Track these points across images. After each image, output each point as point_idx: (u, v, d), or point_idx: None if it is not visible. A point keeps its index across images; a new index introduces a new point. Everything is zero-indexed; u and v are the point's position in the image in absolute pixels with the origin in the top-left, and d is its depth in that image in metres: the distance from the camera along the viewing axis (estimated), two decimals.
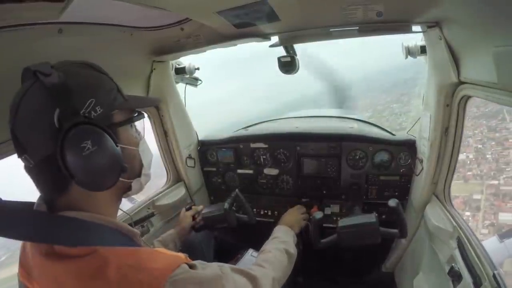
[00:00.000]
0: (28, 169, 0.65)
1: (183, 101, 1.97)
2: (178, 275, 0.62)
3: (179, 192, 1.95)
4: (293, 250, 1.20)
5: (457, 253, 1.18)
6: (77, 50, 1.12)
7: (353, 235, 1.29)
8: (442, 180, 1.44)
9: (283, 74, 1.72)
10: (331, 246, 1.35)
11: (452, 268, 1.18)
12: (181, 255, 0.71)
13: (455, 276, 1.15)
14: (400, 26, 1.19)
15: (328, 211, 1.84)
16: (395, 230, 1.30)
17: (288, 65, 1.67)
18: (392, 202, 1.27)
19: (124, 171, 0.69)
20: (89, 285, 0.61)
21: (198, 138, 2.10)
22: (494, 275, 0.98)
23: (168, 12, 1.04)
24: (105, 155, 0.64)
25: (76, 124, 0.61)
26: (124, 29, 1.28)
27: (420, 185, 1.54)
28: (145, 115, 0.86)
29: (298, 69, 1.71)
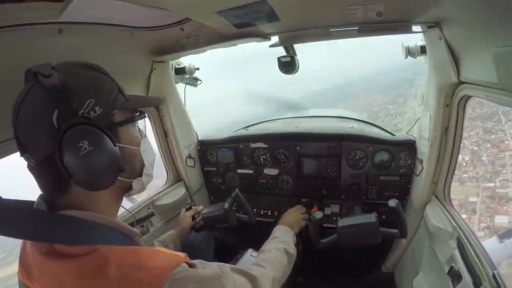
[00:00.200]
0: (30, 168, 0.67)
1: (183, 101, 1.97)
2: (178, 274, 0.63)
3: (179, 192, 1.95)
4: (293, 250, 1.20)
5: (457, 253, 1.18)
6: (77, 50, 1.13)
7: (353, 235, 1.29)
8: (442, 180, 1.44)
9: (282, 74, 1.72)
10: (331, 246, 1.35)
11: (452, 268, 1.18)
12: (181, 254, 0.71)
13: (455, 276, 1.15)
14: (400, 26, 1.19)
15: (328, 211, 1.84)
16: (395, 230, 1.30)
17: (288, 65, 1.67)
18: (392, 202, 1.27)
19: (123, 171, 0.70)
20: (89, 284, 0.61)
21: (198, 138, 2.10)
22: (493, 275, 0.98)
23: (168, 12, 1.04)
24: (102, 155, 0.64)
25: (73, 124, 0.61)
26: (124, 29, 1.28)
27: (420, 185, 1.54)
28: (146, 115, 0.86)
29: (298, 69, 1.71)
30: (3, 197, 0.67)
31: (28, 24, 0.88)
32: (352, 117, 2.24)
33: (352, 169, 1.80)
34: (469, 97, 1.20)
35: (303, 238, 1.54)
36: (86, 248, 0.62)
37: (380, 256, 2.01)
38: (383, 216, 1.55)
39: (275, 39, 1.46)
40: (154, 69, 1.68)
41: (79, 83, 0.66)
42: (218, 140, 2.04)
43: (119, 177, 0.71)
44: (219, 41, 1.45)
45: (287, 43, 1.52)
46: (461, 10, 0.95)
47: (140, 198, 1.78)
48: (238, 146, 1.97)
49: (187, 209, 1.62)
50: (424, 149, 1.48)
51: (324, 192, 1.89)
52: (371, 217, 1.29)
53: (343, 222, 1.32)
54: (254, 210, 1.97)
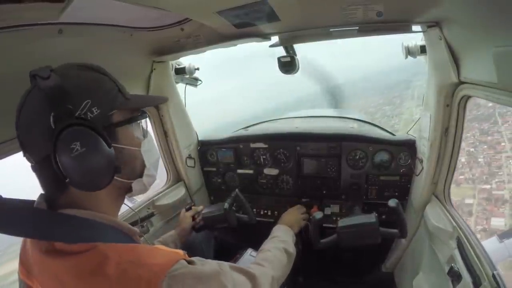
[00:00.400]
0: (32, 167, 0.68)
1: (183, 101, 1.97)
2: (176, 270, 0.63)
3: (179, 192, 1.95)
4: (292, 249, 1.20)
5: (456, 253, 1.18)
6: (77, 50, 1.13)
7: (353, 235, 1.29)
8: (442, 180, 1.44)
9: (282, 74, 1.72)
10: (331, 246, 1.35)
11: (451, 268, 1.18)
12: (180, 251, 0.72)
13: (455, 276, 1.15)
14: (400, 26, 1.19)
15: (328, 211, 1.84)
16: (395, 230, 1.30)
17: (288, 65, 1.67)
18: (392, 202, 1.27)
19: (119, 172, 0.70)
20: (89, 281, 0.61)
21: (198, 138, 2.10)
22: (493, 275, 0.98)
23: (168, 12, 1.04)
24: (94, 156, 0.64)
25: (68, 125, 0.62)
26: (124, 29, 1.28)
27: (420, 185, 1.54)
28: (147, 115, 0.86)
29: (298, 69, 1.71)
30: (6, 196, 0.68)
31: (28, 25, 0.87)
32: (352, 117, 2.24)
33: (352, 169, 1.80)
34: (469, 97, 1.20)
35: (303, 238, 1.54)
36: (86, 246, 0.63)
37: (380, 256, 2.01)
38: (383, 216, 1.54)
39: (275, 39, 1.46)
40: (154, 69, 1.68)
41: (76, 85, 0.66)
42: (218, 140, 2.04)
43: (117, 178, 0.71)
44: (219, 41, 1.45)
45: (287, 43, 1.52)
46: (461, 10, 0.95)
47: (140, 198, 1.78)
48: (238, 146, 1.97)
49: (187, 209, 1.62)
50: (424, 149, 1.48)
51: (324, 192, 1.89)
52: (371, 217, 1.29)
53: (343, 222, 1.32)
54: (254, 210, 1.98)
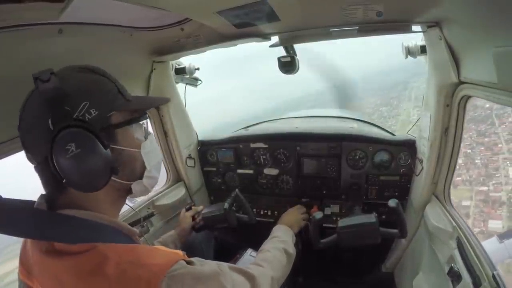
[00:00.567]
0: (34, 168, 0.69)
1: (183, 101, 1.97)
2: (176, 271, 0.64)
3: (179, 192, 1.95)
4: (292, 249, 1.20)
5: (456, 253, 1.18)
6: (77, 50, 1.13)
7: (353, 235, 1.29)
8: (442, 180, 1.44)
9: (282, 74, 1.72)
10: (331, 246, 1.35)
11: (451, 268, 1.18)
12: (180, 252, 0.72)
13: (455, 276, 1.15)
14: (400, 26, 1.19)
15: (328, 211, 1.84)
16: (395, 230, 1.30)
17: (288, 65, 1.67)
18: (392, 202, 1.27)
19: (115, 173, 0.69)
20: (88, 281, 0.61)
21: (198, 138, 2.11)
22: (493, 275, 0.98)
23: (168, 12, 1.04)
24: (89, 158, 0.64)
25: (63, 127, 0.62)
26: (124, 29, 1.28)
27: (420, 185, 1.54)
28: (147, 116, 0.85)
29: (298, 69, 1.70)
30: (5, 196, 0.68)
31: (28, 24, 0.87)
32: (352, 117, 2.24)
33: (352, 169, 1.80)
34: (469, 97, 1.20)
35: (303, 238, 1.54)
36: (85, 246, 0.63)
37: (380, 256, 2.01)
38: (383, 216, 1.55)
39: (275, 39, 1.46)
40: (154, 69, 1.68)
41: (74, 87, 0.66)
42: (218, 140, 2.04)
43: (116, 179, 0.71)
44: (219, 41, 1.45)
45: (287, 43, 1.52)
46: (461, 10, 0.95)
47: (140, 198, 1.78)
48: (238, 146, 1.97)
49: (187, 209, 1.62)
50: (424, 149, 1.48)
51: (324, 192, 1.89)
52: (371, 217, 1.29)
53: (343, 222, 1.32)
54: (254, 210, 1.97)
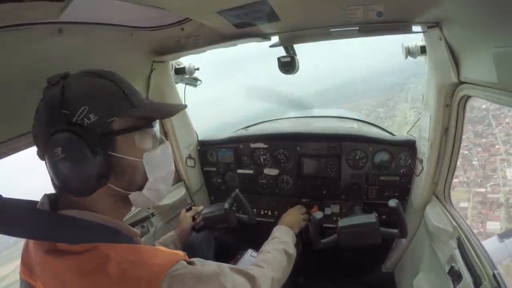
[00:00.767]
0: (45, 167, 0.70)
1: (183, 101, 1.97)
2: (176, 271, 0.64)
3: (179, 192, 1.95)
4: (292, 250, 1.20)
5: (457, 253, 1.18)
6: (77, 50, 1.12)
7: (353, 235, 1.29)
8: (442, 181, 1.44)
9: (282, 74, 1.72)
10: (331, 246, 1.35)
11: (452, 268, 1.18)
12: (180, 252, 0.72)
13: (455, 276, 1.15)
14: (400, 26, 1.19)
15: (328, 211, 1.84)
16: (395, 230, 1.30)
17: (288, 65, 1.67)
18: (392, 202, 1.27)
19: (105, 180, 0.67)
20: (90, 280, 0.62)
21: (198, 138, 2.10)
22: (494, 275, 0.98)
23: (168, 12, 1.04)
24: (73, 162, 0.63)
25: (56, 131, 0.63)
26: (124, 29, 1.28)
27: (420, 185, 1.54)
28: (152, 124, 0.78)
29: (298, 69, 1.70)
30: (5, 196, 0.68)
31: (28, 24, 0.87)
32: (352, 117, 2.25)
33: (352, 169, 1.80)
34: (469, 97, 1.20)
35: (303, 238, 1.54)
36: (87, 246, 0.63)
37: (380, 256, 2.01)
38: (383, 216, 1.55)
39: (275, 39, 1.46)
40: (154, 69, 1.67)
41: (76, 91, 0.66)
42: (218, 140, 2.04)
43: (113, 187, 0.70)
44: (219, 41, 1.45)
45: (287, 43, 1.52)
46: (461, 10, 0.96)
47: None
48: (238, 146, 1.97)
49: (187, 210, 1.62)
50: (424, 149, 1.48)
51: (324, 192, 1.89)
52: (371, 217, 1.29)
53: (343, 222, 1.32)
54: (254, 210, 1.97)
